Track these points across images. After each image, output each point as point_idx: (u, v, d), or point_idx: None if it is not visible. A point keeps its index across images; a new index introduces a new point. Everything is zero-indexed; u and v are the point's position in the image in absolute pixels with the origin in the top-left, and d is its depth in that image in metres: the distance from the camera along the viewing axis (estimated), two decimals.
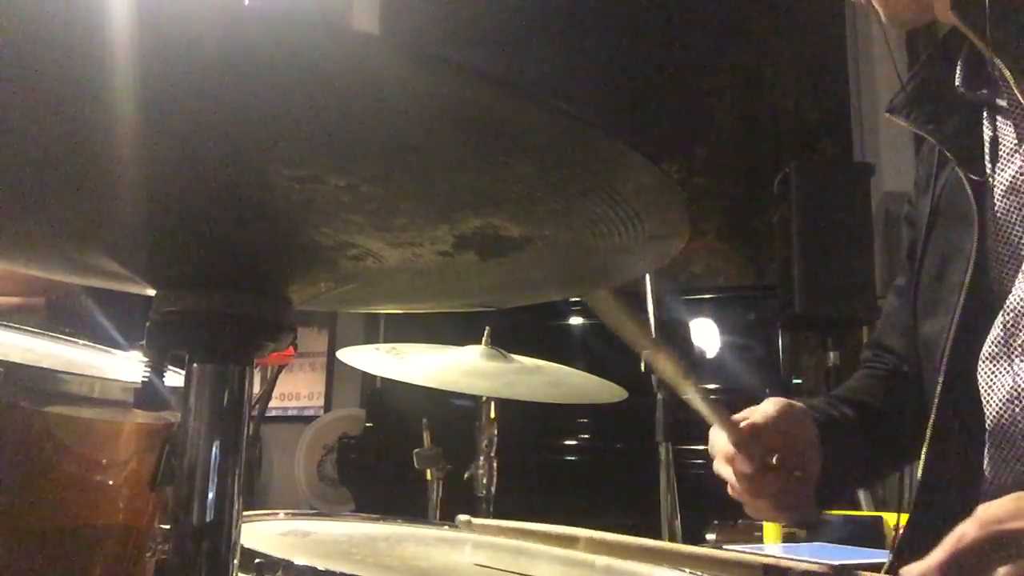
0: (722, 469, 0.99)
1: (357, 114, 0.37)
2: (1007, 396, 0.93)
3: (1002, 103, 0.99)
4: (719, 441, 0.98)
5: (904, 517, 1.06)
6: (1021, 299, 0.93)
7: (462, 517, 0.91)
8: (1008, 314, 0.94)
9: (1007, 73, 0.95)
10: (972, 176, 0.99)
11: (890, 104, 1.10)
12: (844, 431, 1.08)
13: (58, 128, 0.39)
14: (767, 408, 1.00)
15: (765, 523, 1.81)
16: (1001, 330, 0.94)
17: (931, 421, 0.99)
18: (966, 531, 0.70)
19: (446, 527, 1.26)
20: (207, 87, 0.35)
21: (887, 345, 1.21)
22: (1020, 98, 0.93)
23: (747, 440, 0.95)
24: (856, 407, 1.14)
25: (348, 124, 0.37)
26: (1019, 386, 0.92)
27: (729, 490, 1.00)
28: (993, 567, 0.68)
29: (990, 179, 0.99)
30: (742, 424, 0.97)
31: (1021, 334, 0.92)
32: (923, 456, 1.00)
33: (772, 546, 1.78)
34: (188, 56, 0.33)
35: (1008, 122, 0.99)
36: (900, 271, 1.22)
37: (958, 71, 1.05)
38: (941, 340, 0.99)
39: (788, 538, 1.83)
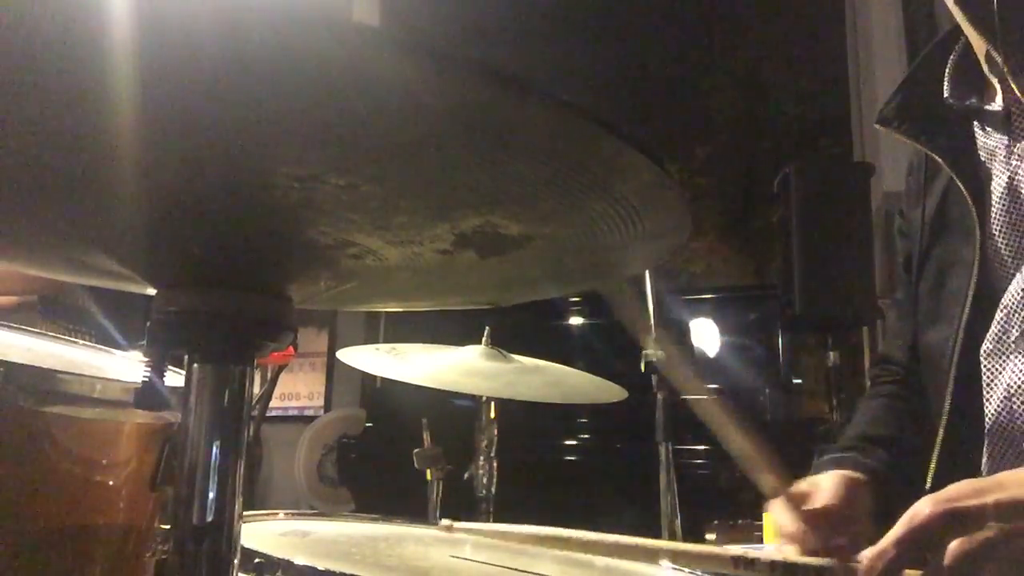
0: (787, 546, 0.93)
1: (357, 113, 0.37)
2: (1005, 393, 0.94)
3: (991, 108, 1.00)
4: (783, 521, 0.92)
5: None
6: (1014, 295, 0.94)
7: (444, 522, 0.90)
8: (1004, 311, 0.94)
9: (1006, 68, 0.94)
10: (969, 185, 0.99)
11: (880, 115, 1.10)
12: (888, 483, 1.03)
13: (58, 127, 0.39)
14: (829, 491, 0.94)
15: (765, 523, 1.81)
16: (998, 327, 0.95)
17: (942, 428, 0.99)
18: (920, 509, 0.71)
19: None
20: (207, 86, 0.35)
21: (893, 359, 1.21)
22: (1017, 93, 0.93)
23: (810, 527, 0.89)
24: (888, 447, 1.10)
25: (348, 123, 0.37)
26: (1014, 383, 0.93)
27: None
28: (946, 542, 0.69)
29: (986, 185, 0.99)
30: (806, 508, 0.91)
31: (1014, 330, 0.93)
32: (933, 462, 1.00)
33: (772, 546, 1.78)
34: (188, 55, 0.33)
35: (999, 126, 0.99)
36: (899, 284, 1.22)
37: (946, 83, 1.05)
38: (947, 349, 1.00)
39: None
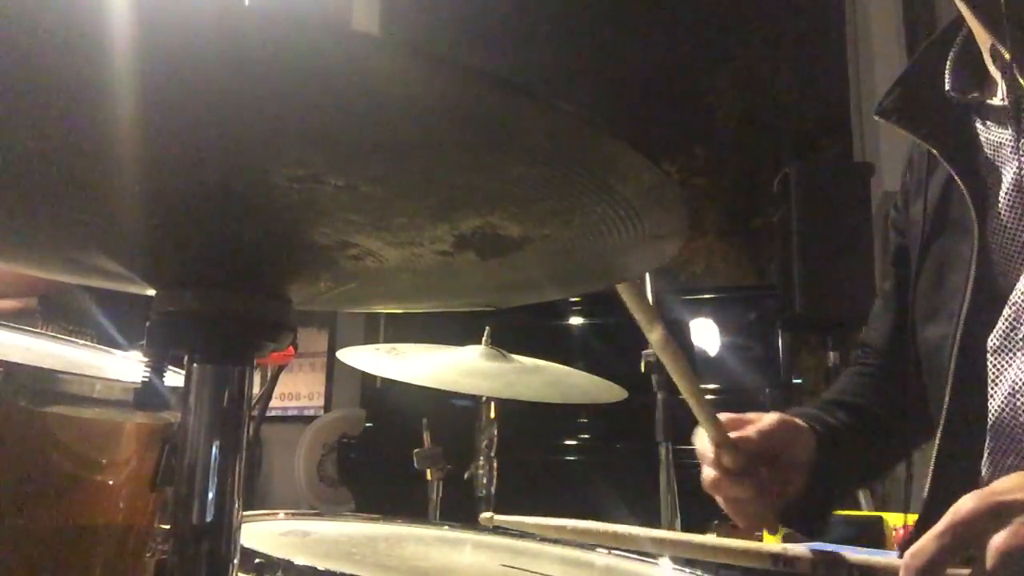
0: (705, 468, 1.00)
1: (357, 114, 0.37)
2: (1009, 390, 0.93)
3: (993, 102, 0.99)
4: (700, 443, 0.99)
5: (912, 517, 1.06)
6: (1023, 292, 0.93)
7: (485, 515, 0.94)
8: (1012, 307, 0.94)
9: (1013, 62, 0.94)
10: (968, 179, 0.99)
11: (879, 107, 1.10)
12: (841, 441, 1.08)
13: (58, 128, 0.39)
14: (767, 423, 1.00)
15: None
16: (1005, 323, 0.94)
17: (941, 425, 0.99)
18: (964, 503, 0.71)
19: (446, 527, 1.26)
20: (207, 87, 0.35)
21: (870, 343, 1.23)
22: (1022, 82, 0.92)
23: (728, 443, 0.96)
24: (850, 411, 1.14)
25: (348, 124, 0.37)
26: (1020, 380, 0.92)
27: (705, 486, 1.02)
28: (989, 534, 0.68)
29: (988, 180, 0.99)
30: (735, 434, 0.97)
31: (1023, 327, 0.93)
32: (933, 459, 1.01)
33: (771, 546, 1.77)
34: (188, 56, 0.33)
35: (1002, 121, 0.99)
36: (886, 275, 1.23)
37: (947, 76, 1.05)
38: (947, 345, 0.99)
39: (788, 539, 1.82)
